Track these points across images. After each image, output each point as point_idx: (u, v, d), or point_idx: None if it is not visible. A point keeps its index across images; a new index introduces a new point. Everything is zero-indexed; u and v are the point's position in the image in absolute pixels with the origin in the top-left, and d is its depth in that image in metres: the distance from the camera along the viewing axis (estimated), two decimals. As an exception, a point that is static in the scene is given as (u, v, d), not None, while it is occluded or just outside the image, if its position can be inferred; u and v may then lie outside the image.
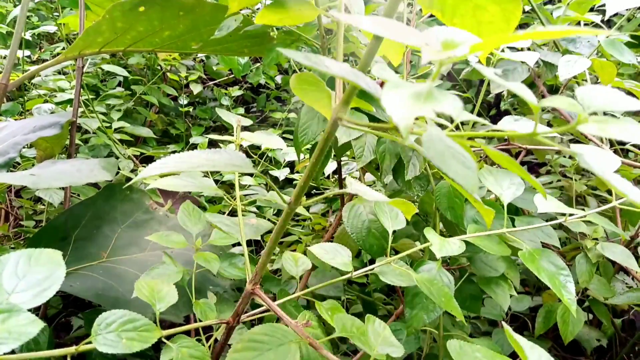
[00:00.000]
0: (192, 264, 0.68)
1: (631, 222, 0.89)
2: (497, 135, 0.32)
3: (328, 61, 0.32)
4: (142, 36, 0.85)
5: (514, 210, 0.84)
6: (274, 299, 0.67)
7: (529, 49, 0.99)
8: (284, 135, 1.63)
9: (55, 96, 1.34)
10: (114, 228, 1.01)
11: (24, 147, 0.91)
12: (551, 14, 1.05)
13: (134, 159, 1.39)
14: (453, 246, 0.59)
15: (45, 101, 1.33)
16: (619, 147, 1.02)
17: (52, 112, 1.29)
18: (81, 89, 1.01)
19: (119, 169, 1.34)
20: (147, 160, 1.49)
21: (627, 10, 1.21)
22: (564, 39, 0.86)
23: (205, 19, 0.85)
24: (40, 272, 0.42)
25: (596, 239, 0.82)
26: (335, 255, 0.59)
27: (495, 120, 1.43)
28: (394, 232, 0.66)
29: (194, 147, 1.50)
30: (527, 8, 0.98)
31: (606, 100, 0.29)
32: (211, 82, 1.83)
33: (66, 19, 1.29)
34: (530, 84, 0.90)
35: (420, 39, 0.23)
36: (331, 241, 0.78)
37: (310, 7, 0.42)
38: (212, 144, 1.62)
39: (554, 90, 1.10)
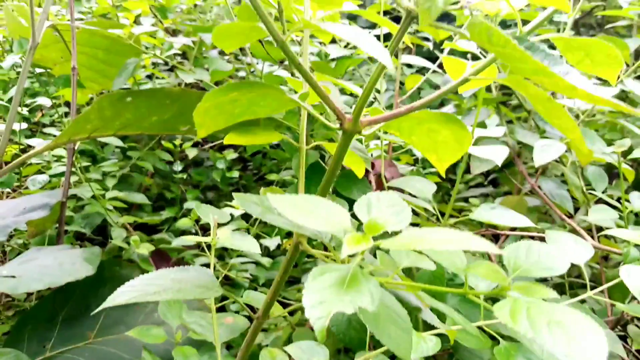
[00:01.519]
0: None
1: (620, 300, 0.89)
2: (451, 291, 0.33)
3: (281, 209, 0.33)
4: (131, 122, 0.87)
5: (499, 291, 0.84)
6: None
7: (510, 121, 1.01)
8: (278, 197, 1.64)
9: (51, 167, 1.36)
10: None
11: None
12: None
13: (128, 226, 1.40)
14: (429, 344, 0.59)
15: (40, 171, 1.36)
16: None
17: (46, 184, 1.31)
18: (73, 166, 1.03)
19: (111, 238, 1.35)
20: (141, 227, 1.50)
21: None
22: (541, 119, 0.88)
23: (192, 105, 0.87)
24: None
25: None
26: (312, 355, 0.58)
27: (494, 183, 1.43)
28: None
29: (189, 212, 1.51)
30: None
31: (533, 263, 0.30)
32: (207, 145, 1.86)
33: (63, 91, 1.33)
34: (510, 162, 0.92)
35: (344, 224, 0.24)
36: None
37: (274, 134, 0.44)
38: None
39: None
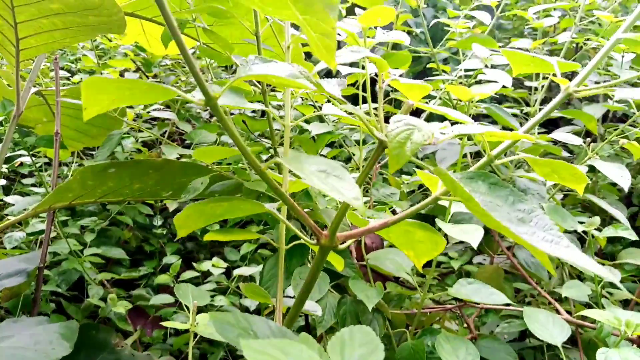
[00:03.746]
0: None
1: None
2: None
3: (256, 327, 0.34)
4: (112, 190, 0.88)
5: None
6: None
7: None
8: (260, 251, 1.63)
9: (29, 222, 1.35)
10: (76, 373, 0.99)
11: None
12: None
13: (106, 283, 1.38)
14: None
15: (16, 225, 1.34)
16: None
17: (23, 241, 1.30)
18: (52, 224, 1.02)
19: (87, 295, 1.33)
20: (119, 283, 1.48)
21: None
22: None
23: (174, 174, 0.88)
24: None
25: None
26: None
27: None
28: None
29: (167, 267, 1.50)
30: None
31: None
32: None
33: (44, 150, 1.33)
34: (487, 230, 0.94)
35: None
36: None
37: (253, 233, 0.45)
38: (187, 265, 1.62)
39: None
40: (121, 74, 1.69)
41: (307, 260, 0.87)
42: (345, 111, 0.32)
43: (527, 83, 1.29)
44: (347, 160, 1.51)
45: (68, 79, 1.45)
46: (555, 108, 0.35)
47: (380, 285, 0.74)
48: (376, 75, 0.50)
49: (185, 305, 1.01)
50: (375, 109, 0.32)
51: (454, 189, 0.27)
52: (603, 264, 1.00)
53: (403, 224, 0.43)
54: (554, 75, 0.35)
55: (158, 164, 0.84)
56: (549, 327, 0.66)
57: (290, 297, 0.82)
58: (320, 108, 1.14)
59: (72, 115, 1.12)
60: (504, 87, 0.84)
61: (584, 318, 0.76)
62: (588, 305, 0.99)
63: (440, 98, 0.95)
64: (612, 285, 1.13)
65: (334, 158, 1.21)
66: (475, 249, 0.68)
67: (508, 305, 0.78)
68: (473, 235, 0.65)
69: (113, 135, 0.84)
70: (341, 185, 0.27)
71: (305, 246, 0.79)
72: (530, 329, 0.66)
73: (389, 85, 0.40)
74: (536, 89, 1.24)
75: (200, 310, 1.54)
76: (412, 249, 0.47)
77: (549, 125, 1.60)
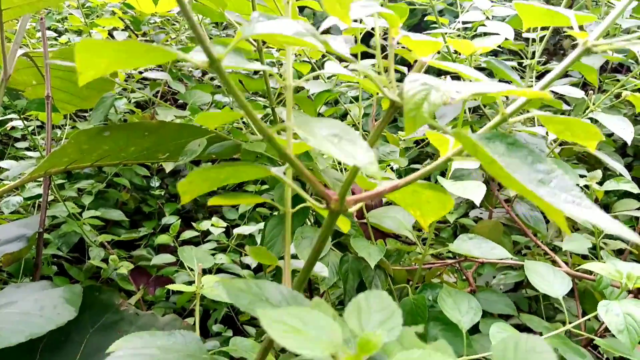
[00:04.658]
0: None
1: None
2: None
3: (268, 329, 0.33)
4: (108, 153, 0.87)
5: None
6: None
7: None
8: (258, 210, 1.64)
9: (25, 187, 1.34)
10: (82, 333, 1.00)
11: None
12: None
13: (106, 244, 1.38)
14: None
15: (14, 191, 1.33)
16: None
17: (21, 205, 1.29)
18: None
19: (89, 257, 1.33)
20: (119, 244, 1.48)
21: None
22: (516, 144, 0.90)
23: (170, 135, 0.87)
24: None
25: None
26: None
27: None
28: None
29: (167, 228, 1.50)
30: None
31: None
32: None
33: (36, 113, 1.31)
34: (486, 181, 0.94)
35: (334, 341, 0.25)
36: None
37: (258, 197, 0.44)
38: (187, 225, 1.62)
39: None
40: (110, 33, 1.64)
41: (308, 219, 0.87)
42: (354, 70, 0.31)
43: (524, 34, 1.26)
44: (343, 116, 1.50)
45: (55, 39, 1.41)
46: (574, 62, 0.34)
47: (381, 243, 0.75)
48: (373, 29, 0.49)
49: (188, 266, 1.02)
50: (383, 65, 0.31)
51: (475, 152, 0.26)
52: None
53: (411, 184, 0.43)
54: (570, 28, 0.34)
55: (153, 126, 0.82)
56: (550, 280, 0.67)
57: (292, 255, 0.82)
58: (316, 64, 1.11)
59: (62, 77, 1.10)
60: (505, 39, 0.82)
61: (584, 270, 0.77)
62: (584, 257, 1.01)
63: (439, 52, 0.93)
64: (607, 236, 1.15)
65: (330, 116, 1.19)
66: (478, 205, 0.68)
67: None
68: (475, 192, 0.65)
69: (106, 98, 0.82)
70: (355, 150, 0.26)
71: (307, 207, 0.79)
72: (532, 282, 0.67)
73: (385, 39, 0.39)
74: (534, 40, 1.22)
75: (203, 270, 1.56)
76: (419, 208, 0.47)
77: (545, 75, 1.58)
